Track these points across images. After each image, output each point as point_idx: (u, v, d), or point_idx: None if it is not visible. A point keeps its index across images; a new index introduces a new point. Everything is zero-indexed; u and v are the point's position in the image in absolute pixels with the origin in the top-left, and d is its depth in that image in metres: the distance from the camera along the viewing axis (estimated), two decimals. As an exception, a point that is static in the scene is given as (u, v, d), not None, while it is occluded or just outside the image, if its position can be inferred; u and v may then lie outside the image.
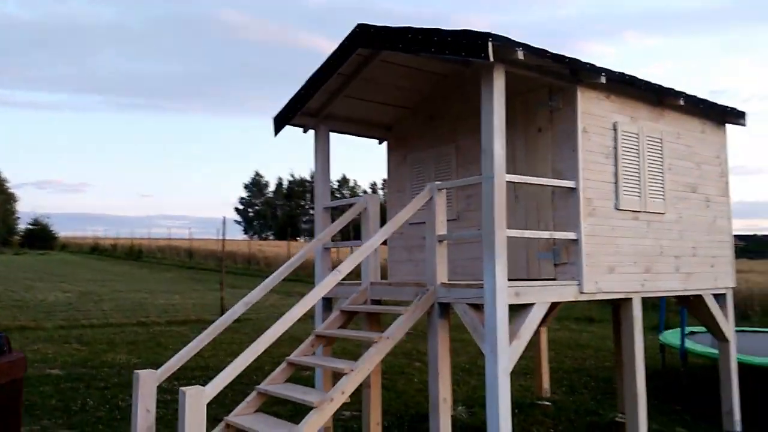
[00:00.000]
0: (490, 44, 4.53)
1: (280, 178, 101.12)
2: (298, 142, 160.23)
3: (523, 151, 5.93)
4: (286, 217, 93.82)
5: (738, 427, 6.73)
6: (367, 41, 5.67)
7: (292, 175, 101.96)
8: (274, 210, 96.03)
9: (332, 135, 6.92)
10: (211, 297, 21.11)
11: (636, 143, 5.94)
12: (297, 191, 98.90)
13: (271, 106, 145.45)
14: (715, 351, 8.24)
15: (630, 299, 5.81)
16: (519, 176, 5.10)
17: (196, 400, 4.01)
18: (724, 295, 6.85)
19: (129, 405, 7.59)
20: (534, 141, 5.85)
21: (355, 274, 5.74)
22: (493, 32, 4.57)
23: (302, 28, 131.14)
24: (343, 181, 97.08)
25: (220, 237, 43.33)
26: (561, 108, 5.60)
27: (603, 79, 5.36)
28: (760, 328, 12.26)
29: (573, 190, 5.44)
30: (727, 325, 6.79)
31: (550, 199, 5.65)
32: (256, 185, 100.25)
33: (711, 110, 6.67)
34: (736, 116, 6.87)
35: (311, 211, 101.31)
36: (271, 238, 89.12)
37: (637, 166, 5.91)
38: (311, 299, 4.69)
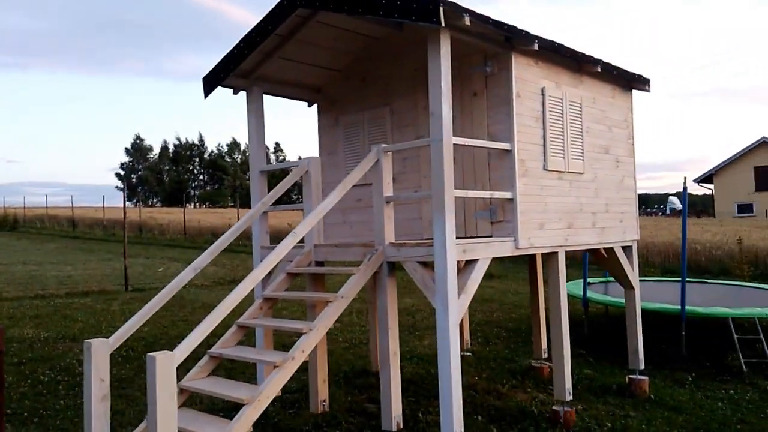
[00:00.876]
0: (441, 9, 4.68)
1: (165, 141, 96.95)
2: (185, 103, 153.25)
3: (458, 115, 6.17)
4: (173, 183, 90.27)
5: (642, 365, 7.50)
6: (308, 1, 5.63)
7: (179, 139, 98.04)
8: (160, 175, 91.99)
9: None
10: (107, 267, 20.21)
11: (560, 107, 6.34)
12: (184, 155, 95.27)
13: (148, 67, 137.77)
14: (613, 299, 9.07)
15: (556, 253, 6.28)
16: (464, 139, 5.33)
17: (166, 365, 3.98)
18: (630, 247, 7.53)
19: (52, 379, 7.29)
20: (469, 105, 6.10)
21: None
22: (443, -2, 4.70)
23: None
24: (233, 145, 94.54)
25: (102, 205, 41.13)
26: (496, 73, 5.87)
27: (536, 46, 5.66)
28: (654, 277, 13.50)
29: (508, 152, 5.76)
30: (633, 274, 7.50)
31: (486, 160, 5.95)
32: (138, 150, 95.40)
33: (621, 76, 7.21)
34: (642, 82, 7.47)
35: (201, 177, 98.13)
36: (158, 204, 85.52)
37: (561, 129, 6.33)
38: (271, 261, 4.72)
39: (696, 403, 6.33)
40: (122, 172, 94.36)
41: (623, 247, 7.38)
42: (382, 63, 6.90)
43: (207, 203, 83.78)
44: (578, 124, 6.60)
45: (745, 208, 44.42)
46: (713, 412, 6.06)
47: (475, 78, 6.02)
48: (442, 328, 5.06)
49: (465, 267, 5.38)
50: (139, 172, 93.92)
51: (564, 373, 6.23)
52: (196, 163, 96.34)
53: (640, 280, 11.21)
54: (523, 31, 5.52)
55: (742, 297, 9.67)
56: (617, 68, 6.91)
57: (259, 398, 4.49)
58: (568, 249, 6.43)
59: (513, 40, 5.70)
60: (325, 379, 6.13)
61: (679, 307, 8.11)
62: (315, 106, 7.61)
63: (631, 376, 6.70)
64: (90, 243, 31.18)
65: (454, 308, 5.06)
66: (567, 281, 11.39)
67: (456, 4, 4.81)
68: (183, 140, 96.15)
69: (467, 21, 4.91)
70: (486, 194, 5.54)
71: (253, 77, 6.67)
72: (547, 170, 6.14)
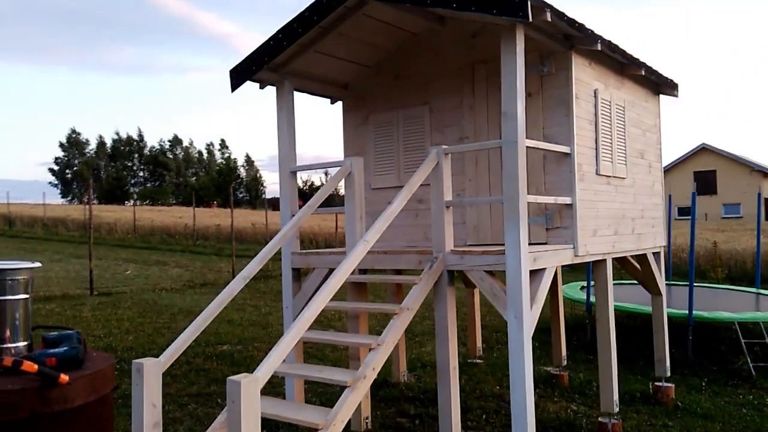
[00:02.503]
0: (529, 3, 4.39)
1: (101, 136, 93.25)
2: (122, 97, 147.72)
3: (510, 116, 5.89)
4: (111, 180, 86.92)
5: (668, 372, 7.43)
6: (363, -9, 5.25)
7: (117, 133, 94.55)
8: (97, 171, 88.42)
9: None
10: (60, 268, 19.06)
11: (608, 110, 6.17)
12: (123, 151, 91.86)
13: (84, 58, 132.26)
14: (620, 304, 9.02)
15: (604, 260, 6.10)
16: (534, 141, 5.06)
17: (251, 389, 3.54)
18: (659, 253, 7.45)
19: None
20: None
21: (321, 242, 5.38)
22: (529, -9, 4.42)
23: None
24: (175, 141, 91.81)
25: (41, 201, 39.00)
26: (553, 73, 5.64)
27: (598, 46, 5.46)
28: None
29: (567, 156, 5.54)
30: (661, 280, 7.42)
31: (541, 164, 5.71)
32: (74, 144, 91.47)
33: (654, 80, 7.11)
34: (672, 87, 7.41)
35: (141, 174, 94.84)
36: (94, 202, 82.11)
37: (609, 133, 6.16)
38: (345, 271, 4.32)
39: (721, 410, 6.29)
40: (56, 167, 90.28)
41: (653, 253, 7.29)
42: (420, 60, 6.56)
43: (147, 201, 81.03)
44: (622, 128, 6.44)
45: (685, 211, 46.15)
46: (743, 419, 6.02)
47: (530, 78, 5.76)
48: (515, 341, 4.77)
49: (532, 276, 5.11)
50: (74, 168, 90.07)
51: (612, 385, 6.05)
52: (135, 159, 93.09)
53: (630, 284, 11.27)
54: (590, 29, 5.30)
55: (722, 300, 9.86)
56: (655, 72, 6.80)
57: (333, 422, 4.08)
58: (614, 256, 6.27)
59: (573, 38, 5.47)
60: (368, 395, 5.75)
61: (685, 311, 8.13)
62: (338, 103, 7.21)
63: (657, 384, 6.60)
64: (31, 243, 29.48)
65: (528, 320, 4.79)
66: (563, 284, 11.35)
67: (540, -1, 4.53)
68: (122, 135, 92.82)
69: (548, 17, 4.64)
70: (550, 200, 5.29)
71: (283, 71, 6.21)
72: (599, 175, 5.94)
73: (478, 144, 5.09)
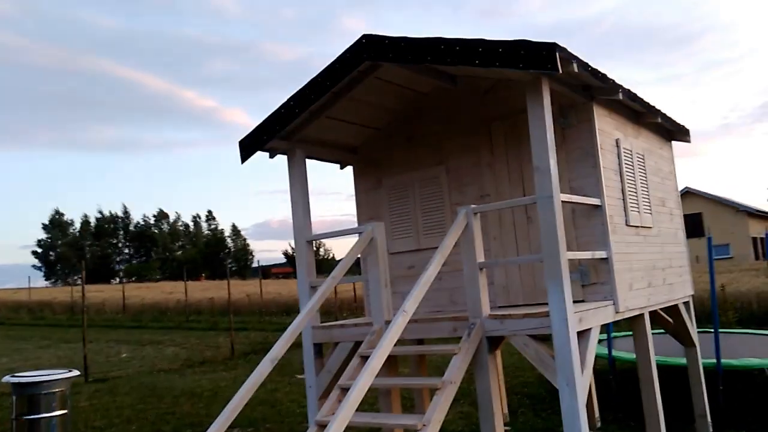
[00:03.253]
0: (558, 55, 4.26)
1: (86, 215, 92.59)
2: (105, 174, 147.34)
3: (532, 170, 5.71)
4: (96, 259, 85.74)
5: (711, 428, 7.04)
6: (378, 54, 5.11)
7: (101, 212, 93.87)
8: (81, 251, 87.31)
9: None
10: (51, 355, 18.30)
11: (630, 160, 6.02)
12: (107, 229, 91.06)
13: (63, 138, 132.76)
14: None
15: (642, 315, 5.81)
16: (569, 195, 4.85)
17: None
18: (689, 302, 7.18)
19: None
20: (543, 159, 5.66)
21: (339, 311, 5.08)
22: (557, 42, 4.30)
23: (89, 53, 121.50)
24: (161, 215, 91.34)
25: (25, 285, 38.11)
26: (575, 125, 5.49)
27: (620, 96, 5.34)
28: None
29: (598, 208, 5.33)
30: (694, 330, 7.12)
31: (570, 218, 5.48)
32: (57, 225, 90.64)
33: (668, 128, 7.02)
34: (684, 133, 7.31)
35: (126, 251, 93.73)
36: (78, 283, 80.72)
37: (633, 182, 5.98)
38: (387, 346, 3.99)
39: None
40: (39, 250, 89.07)
41: (684, 303, 7.02)
42: (432, 120, 6.41)
43: (134, 277, 79.80)
44: (644, 177, 6.28)
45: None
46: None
47: (550, 131, 5.60)
48: (569, 410, 4.42)
49: (578, 338, 4.79)
50: (58, 249, 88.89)
51: (664, 448, 5.67)
52: (120, 236, 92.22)
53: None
54: (611, 79, 5.18)
55: (742, 345, 9.55)
56: (670, 119, 6.71)
57: None
58: (650, 309, 5.99)
59: (594, 89, 5.35)
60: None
61: (712, 360, 7.79)
62: (348, 168, 7.01)
63: (701, 442, 6.22)
64: (18, 329, 28.56)
65: (581, 386, 4.46)
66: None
67: (567, 50, 4.41)
68: (106, 213, 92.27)
69: (575, 68, 4.51)
70: (587, 255, 5.04)
71: (294, 139, 6.02)
72: (629, 226, 5.73)
73: (511, 201, 4.88)
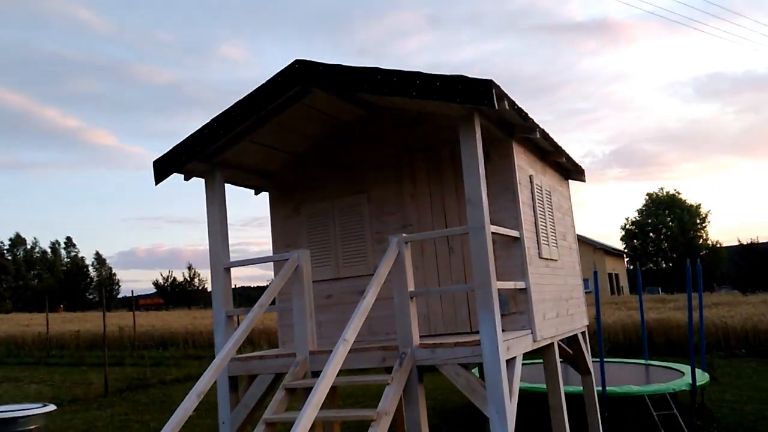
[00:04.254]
0: (494, 92, 4.44)
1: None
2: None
3: (454, 203, 5.87)
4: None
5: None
6: (311, 80, 5.07)
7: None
8: None
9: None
10: None
11: (541, 195, 6.35)
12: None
13: None
14: (533, 385, 9.00)
15: (552, 344, 6.08)
16: (496, 227, 5.01)
17: None
18: (585, 332, 7.61)
19: None
20: (464, 192, 5.82)
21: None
22: (492, 80, 4.49)
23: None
24: (17, 241, 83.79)
25: None
26: (497, 161, 5.71)
27: (537, 134, 5.64)
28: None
29: (517, 240, 5.55)
30: (589, 358, 7.55)
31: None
32: None
33: (567, 167, 7.49)
34: (580, 173, 7.83)
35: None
36: None
37: (543, 217, 6.31)
38: (330, 376, 3.87)
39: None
40: None
41: (581, 333, 7.44)
42: (354, 148, 6.42)
43: (-22, 309, 72.15)
44: (551, 212, 6.64)
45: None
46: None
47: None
48: (499, 438, 4.50)
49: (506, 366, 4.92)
50: None
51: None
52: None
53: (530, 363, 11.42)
54: (531, 118, 5.47)
55: (617, 373, 10.30)
56: (572, 159, 7.16)
57: None
58: (558, 338, 6.28)
59: (515, 127, 5.62)
60: None
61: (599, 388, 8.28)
62: (263, 193, 6.83)
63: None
64: None
65: (510, 414, 4.56)
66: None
67: (500, 87, 4.60)
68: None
69: (506, 105, 4.72)
70: (510, 285, 5.22)
71: (214, 161, 5.79)
72: (541, 258, 6.01)
73: (442, 231, 4.97)
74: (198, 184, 5.89)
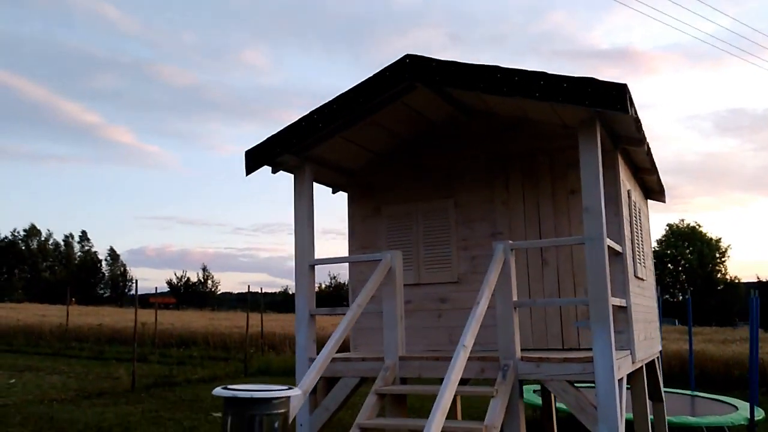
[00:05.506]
0: (628, 96, 4.23)
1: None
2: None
3: (552, 214, 5.64)
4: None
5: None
6: (422, 75, 4.87)
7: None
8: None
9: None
10: None
11: (636, 212, 6.10)
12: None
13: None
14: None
15: (642, 368, 5.81)
16: (610, 241, 4.76)
17: None
18: (659, 358, 7.33)
19: None
20: (563, 203, 5.61)
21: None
22: (624, 83, 4.27)
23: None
24: (32, 232, 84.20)
25: None
26: (602, 171, 5.47)
27: (645, 147, 5.41)
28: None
29: (619, 255, 5.30)
30: (661, 386, 7.25)
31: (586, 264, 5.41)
32: None
33: (654, 187, 7.24)
34: (662, 193, 7.57)
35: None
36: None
37: (638, 234, 6.06)
38: (454, 382, 3.63)
39: None
40: None
41: (657, 358, 7.16)
42: (442, 151, 6.21)
43: (-9, 297, 72.38)
44: (640, 230, 6.39)
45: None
46: None
47: (571, 175, 5.57)
48: (612, 462, 4.24)
49: (611, 386, 4.66)
50: None
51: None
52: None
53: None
54: (644, 130, 5.24)
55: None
56: (659, 178, 6.91)
57: None
58: (645, 362, 6.01)
59: (622, 138, 5.39)
60: None
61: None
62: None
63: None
64: None
65: (623, 437, 4.30)
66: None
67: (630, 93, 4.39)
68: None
69: (633, 111, 4.50)
70: (616, 301, 4.96)
71: (304, 156, 5.60)
72: (636, 277, 5.76)
73: (553, 240, 4.76)
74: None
